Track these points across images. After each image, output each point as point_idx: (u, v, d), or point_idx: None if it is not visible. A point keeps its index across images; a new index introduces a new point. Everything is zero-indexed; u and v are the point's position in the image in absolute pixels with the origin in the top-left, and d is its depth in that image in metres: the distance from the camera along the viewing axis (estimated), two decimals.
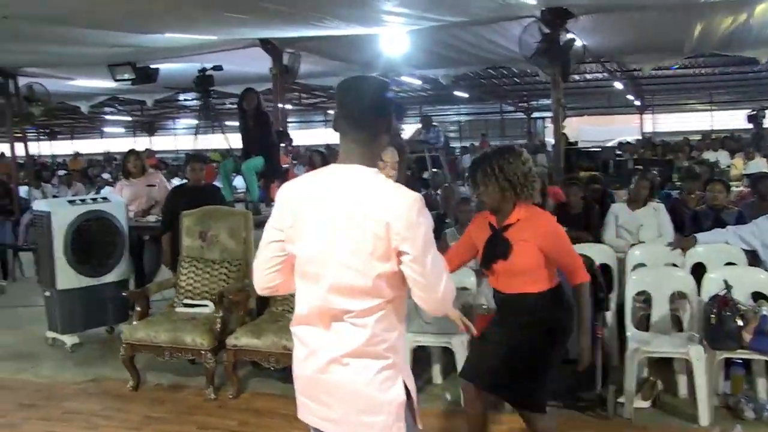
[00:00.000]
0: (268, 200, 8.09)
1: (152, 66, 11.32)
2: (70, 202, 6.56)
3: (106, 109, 21.64)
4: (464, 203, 5.99)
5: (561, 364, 4.34)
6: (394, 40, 9.97)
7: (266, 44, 10.20)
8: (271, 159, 8.00)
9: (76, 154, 22.35)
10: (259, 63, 10.63)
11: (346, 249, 2.12)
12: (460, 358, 4.71)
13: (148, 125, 29.57)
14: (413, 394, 2.26)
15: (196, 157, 7.06)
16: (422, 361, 5.20)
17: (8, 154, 13.10)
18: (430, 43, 10.39)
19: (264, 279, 2.34)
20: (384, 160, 2.61)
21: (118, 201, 6.78)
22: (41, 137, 30.50)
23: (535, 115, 26.20)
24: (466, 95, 20.13)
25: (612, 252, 5.64)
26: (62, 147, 31.36)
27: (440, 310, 2.25)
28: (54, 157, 29.44)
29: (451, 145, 20.23)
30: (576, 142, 17.24)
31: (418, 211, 2.10)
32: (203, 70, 8.94)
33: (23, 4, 7.14)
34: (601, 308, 4.41)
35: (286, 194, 2.28)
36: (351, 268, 2.12)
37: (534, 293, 3.29)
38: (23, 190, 12.66)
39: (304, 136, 29.10)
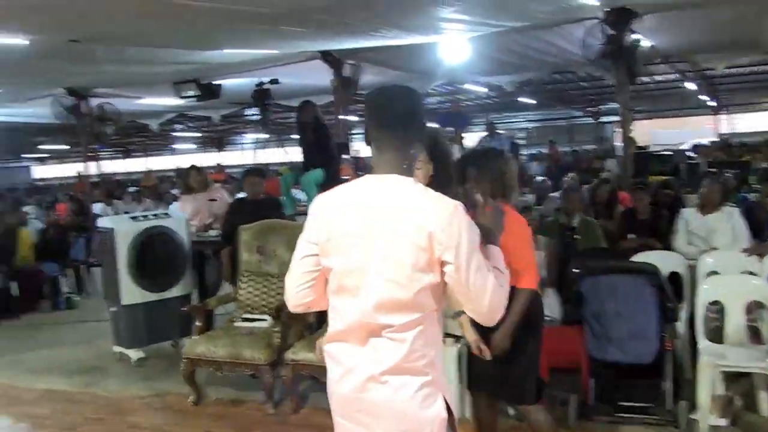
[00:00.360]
0: None
1: (215, 82, 11.52)
2: (133, 218, 6.67)
3: (176, 126, 22.15)
4: (524, 212, 5.82)
5: (624, 378, 4.23)
6: (454, 48, 9.86)
7: (327, 56, 10.26)
8: (330, 171, 7.97)
9: (148, 171, 22.96)
10: (322, 75, 10.70)
11: (387, 261, 2.07)
12: None
13: (218, 140, 30.18)
14: (453, 409, 2.20)
15: (253, 171, 7.08)
16: None
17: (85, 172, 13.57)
18: (492, 49, 10.24)
19: (297, 296, 2.29)
20: None
21: (179, 216, 6.87)
22: (116, 155, 31.51)
23: (604, 119, 25.60)
24: (532, 102, 19.83)
25: (682, 259, 5.39)
26: (136, 164, 32.28)
27: (489, 321, 2.18)
28: (129, 174, 30.35)
29: (520, 153, 19.90)
30: (647, 146, 16.77)
31: (460, 219, 2.06)
32: (260, 84, 9.01)
33: (90, 28, 7.36)
34: (669, 319, 4.19)
35: (320, 207, 2.23)
36: (392, 281, 2.06)
37: None
38: (98, 207, 13.01)
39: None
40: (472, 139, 14.22)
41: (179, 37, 8.33)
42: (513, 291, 3.22)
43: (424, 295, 2.07)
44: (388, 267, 2.06)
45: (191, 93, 11.54)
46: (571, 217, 6.16)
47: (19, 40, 7.12)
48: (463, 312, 3.04)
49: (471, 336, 3.28)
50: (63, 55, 8.19)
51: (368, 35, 8.86)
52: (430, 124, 3.51)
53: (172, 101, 13.30)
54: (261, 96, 9.32)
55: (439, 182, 3.19)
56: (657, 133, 25.14)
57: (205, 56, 9.69)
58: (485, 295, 2.09)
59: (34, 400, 5.73)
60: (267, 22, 7.58)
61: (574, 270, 4.41)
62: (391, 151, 2.14)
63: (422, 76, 12.21)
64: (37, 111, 13.39)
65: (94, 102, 12.49)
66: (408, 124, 2.16)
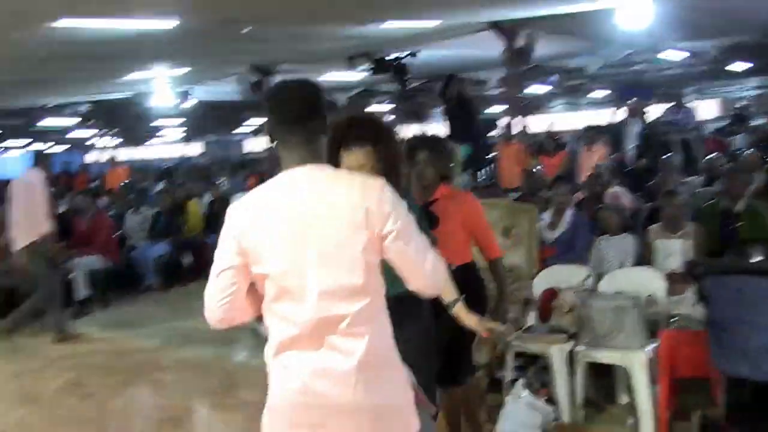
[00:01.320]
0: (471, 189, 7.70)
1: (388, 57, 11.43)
2: None
3: (369, 100, 22.45)
4: (669, 196, 5.09)
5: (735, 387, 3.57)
6: (637, 13, 8.95)
7: (498, 27, 9.79)
8: (475, 147, 7.59)
9: None
10: (492, 47, 10.24)
11: (327, 248, 2.02)
12: (639, 379, 4.03)
13: (415, 114, 30.27)
14: (413, 383, 2.20)
15: None
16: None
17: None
18: (684, 11, 9.24)
19: (219, 311, 2.10)
20: (348, 165, 2.59)
21: None
22: None
23: None
24: (745, 67, 17.73)
25: None
26: None
27: (433, 288, 2.22)
28: None
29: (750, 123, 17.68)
30: None
31: (390, 192, 2.08)
32: (396, 58, 8.73)
33: (255, 13, 7.49)
34: None
35: (239, 214, 2.09)
36: (336, 266, 2.02)
37: (456, 265, 3.27)
38: None
39: (569, 118, 28.08)
40: (657, 110, 12.80)
41: (334, 11, 8.27)
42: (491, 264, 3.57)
43: (369, 275, 2.04)
44: (329, 254, 2.02)
45: (365, 67, 11.58)
46: (736, 202, 5.33)
47: (169, 22, 7.37)
48: (457, 301, 2.96)
49: (472, 319, 2.97)
50: (216, 35, 8.43)
51: (540, 3, 8.33)
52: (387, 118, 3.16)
53: (353, 76, 13.45)
54: (398, 70, 9.01)
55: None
56: None
57: (374, 30, 9.56)
58: (427, 259, 2.10)
59: (165, 368, 6.02)
60: None
61: (693, 266, 3.73)
62: (297, 146, 2.10)
63: (603, 44, 11.37)
64: (234, 88, 14.17)
65: (277, 79, 12.92)
66: (309, 118, 2.11)
